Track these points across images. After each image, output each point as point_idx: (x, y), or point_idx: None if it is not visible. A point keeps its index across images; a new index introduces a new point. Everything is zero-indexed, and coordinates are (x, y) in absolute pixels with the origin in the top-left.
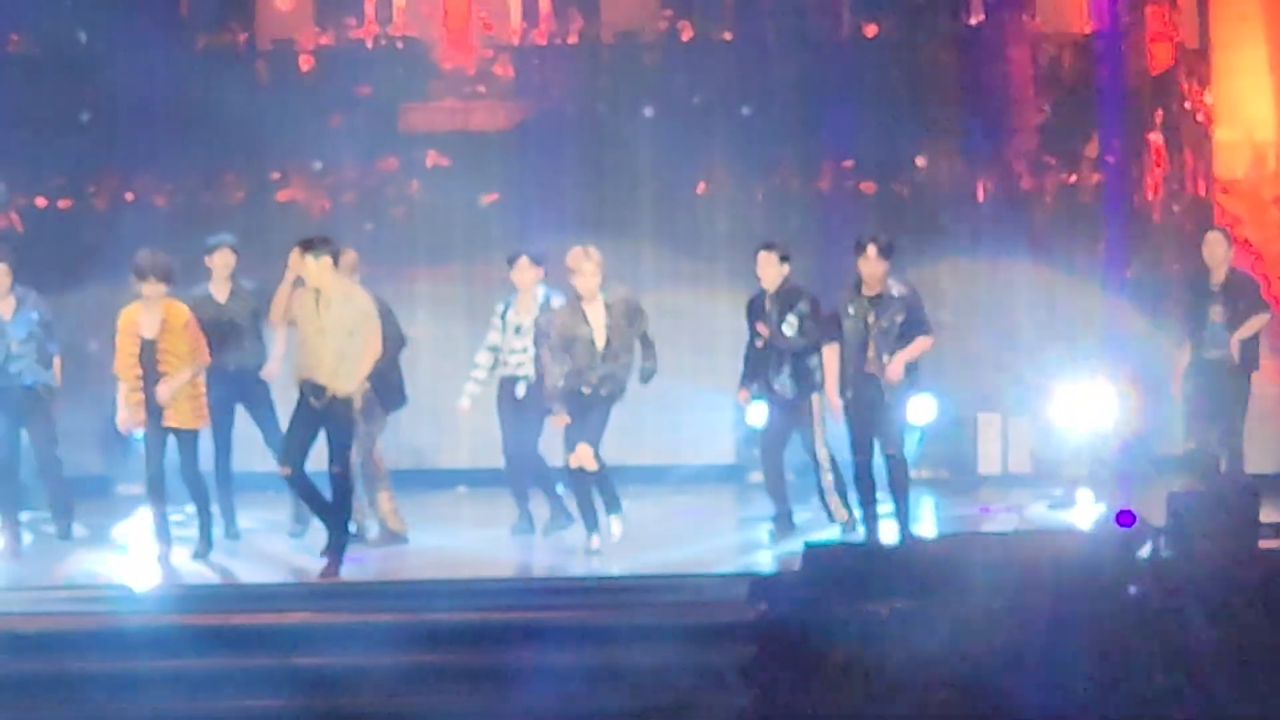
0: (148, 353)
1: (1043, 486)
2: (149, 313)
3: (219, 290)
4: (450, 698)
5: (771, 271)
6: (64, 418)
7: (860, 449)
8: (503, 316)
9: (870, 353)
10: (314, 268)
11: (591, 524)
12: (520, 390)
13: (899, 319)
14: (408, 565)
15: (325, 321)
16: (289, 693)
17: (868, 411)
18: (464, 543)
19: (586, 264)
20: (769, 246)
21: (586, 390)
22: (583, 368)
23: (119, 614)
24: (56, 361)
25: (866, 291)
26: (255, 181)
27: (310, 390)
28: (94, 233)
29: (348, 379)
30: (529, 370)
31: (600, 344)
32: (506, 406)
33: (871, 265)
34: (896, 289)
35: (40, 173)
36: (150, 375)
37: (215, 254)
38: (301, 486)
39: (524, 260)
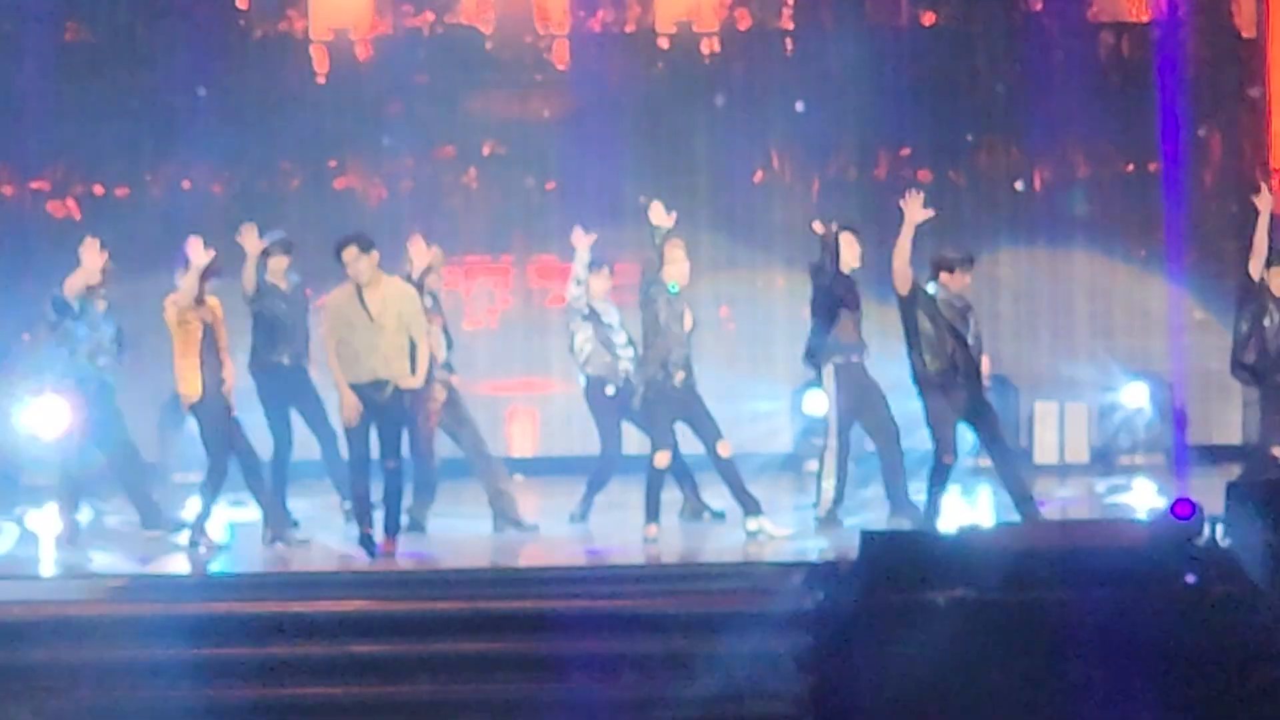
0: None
1: (1099, 476)
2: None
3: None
4: (507, 686)
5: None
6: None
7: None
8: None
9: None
10: (367, 264)
11: (653, 514)
12: (610, 390)
13: (976, 326)
14: (465, 554)
15: (383, 318)
16: (346, 680)
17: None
18: (520, 531)
19: (680, 252)
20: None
21: (679, 382)
22: (680, 360)
23: (177, 602)
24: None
25: (958, 301)
26: (312, 170)
27: (372, 388)
28: (151, 221)
29: (409, 371)
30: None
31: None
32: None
33: (959, 281)
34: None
35: (98, 161)
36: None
37: (270, 258)
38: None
39: (606, 270)
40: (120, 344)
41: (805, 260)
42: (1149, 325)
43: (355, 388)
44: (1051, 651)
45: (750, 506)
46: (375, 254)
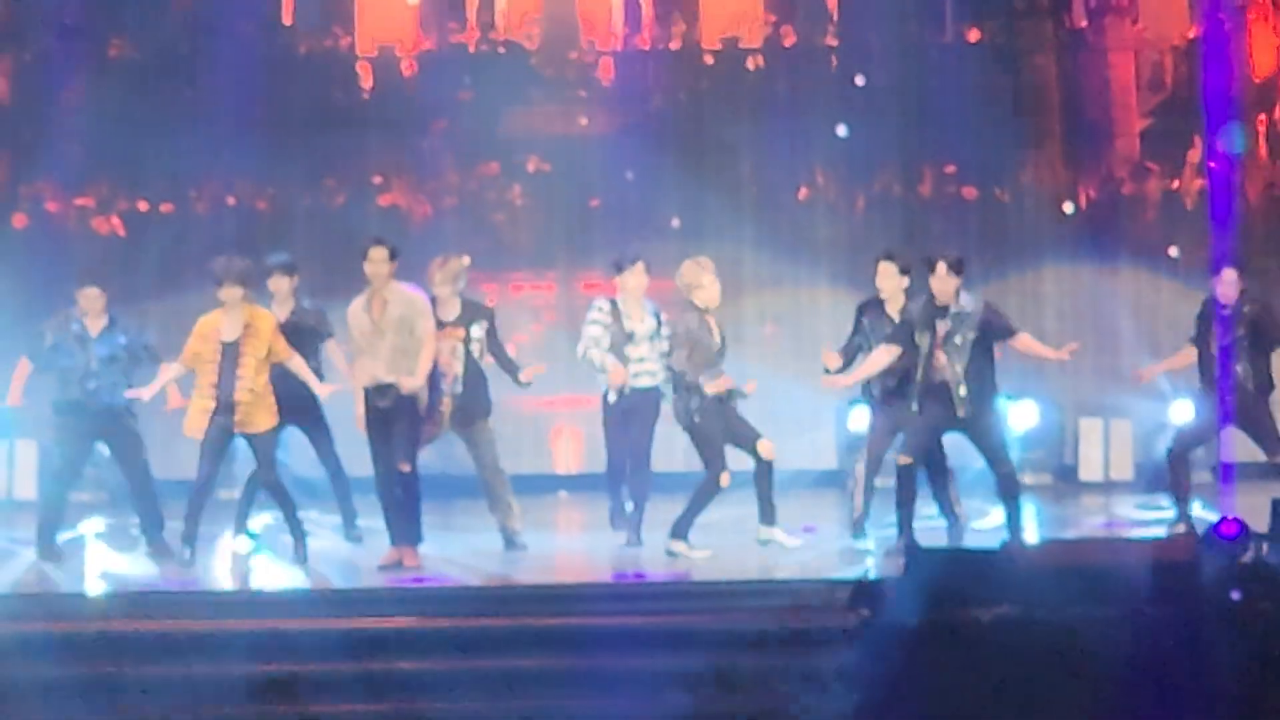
0: (228, 357)
1: (1145, 493)
2: (229, 317)
3: (280, 310)
4: (549, 703)
5: (891, 283)
6: (165, 423)
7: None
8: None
9: (940, 361)
10: (387, 270)
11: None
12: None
13: (971, 335)
14: (506, 570)
15: (383, 322)
16: (379, 698)
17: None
18: (564, 547)
19: (706, 276)
20: (889, 257)
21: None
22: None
23: (206, 620)
24: (163, 373)
25: (938, 303)
26: (356, 186)
27: (376, 393)
28: (196, 237)
29: (410, 373)
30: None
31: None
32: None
33: (942, 282)
34: (970, 305)
35: (142, 176)
36: (227, 380)
37: (270, 278)
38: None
39: (641, 265)
40: (125, 365)
41: (849, 277)
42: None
43: (365, 393)
44: (1096, 669)
45: (767, 515)
46: (395, 265)
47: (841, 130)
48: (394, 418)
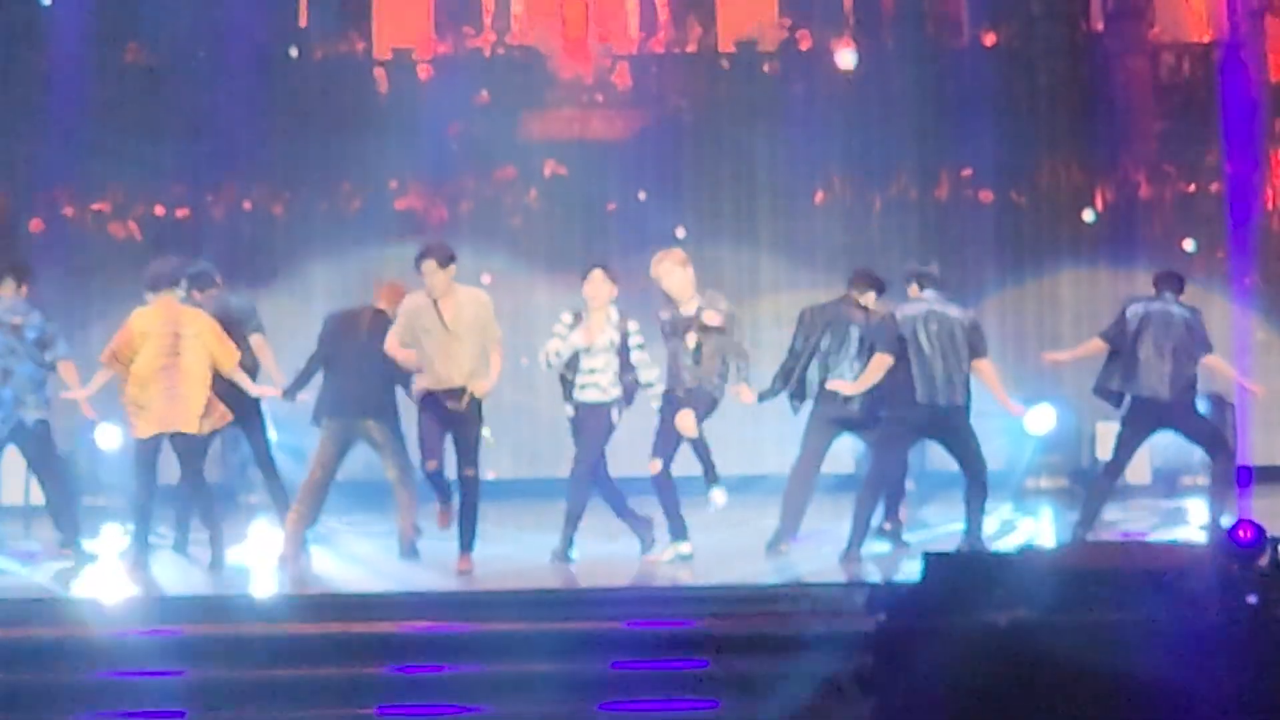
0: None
1: (1162, 497)
2: (163, 318)
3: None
4: (566, 706)
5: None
6: None
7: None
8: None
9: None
10: (443, 276)
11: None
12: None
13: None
14: (523, 574)
15: (458, 325)
16: (395, 700)
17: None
18: (581, 551)
19: (666, 264)
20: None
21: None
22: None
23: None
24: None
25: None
26: (373, 190)
27: (446, 396)
28: (213, 241)
29: (485, 378)
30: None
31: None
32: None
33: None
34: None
35: (158, 182)
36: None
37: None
38: (443, 485)
39: (599, 273)
40: (23, 350)
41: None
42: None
43: (430, 395)
44: (1114, 673)
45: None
46: (452, 268)
47: (864, 119)
48: (462, 421)
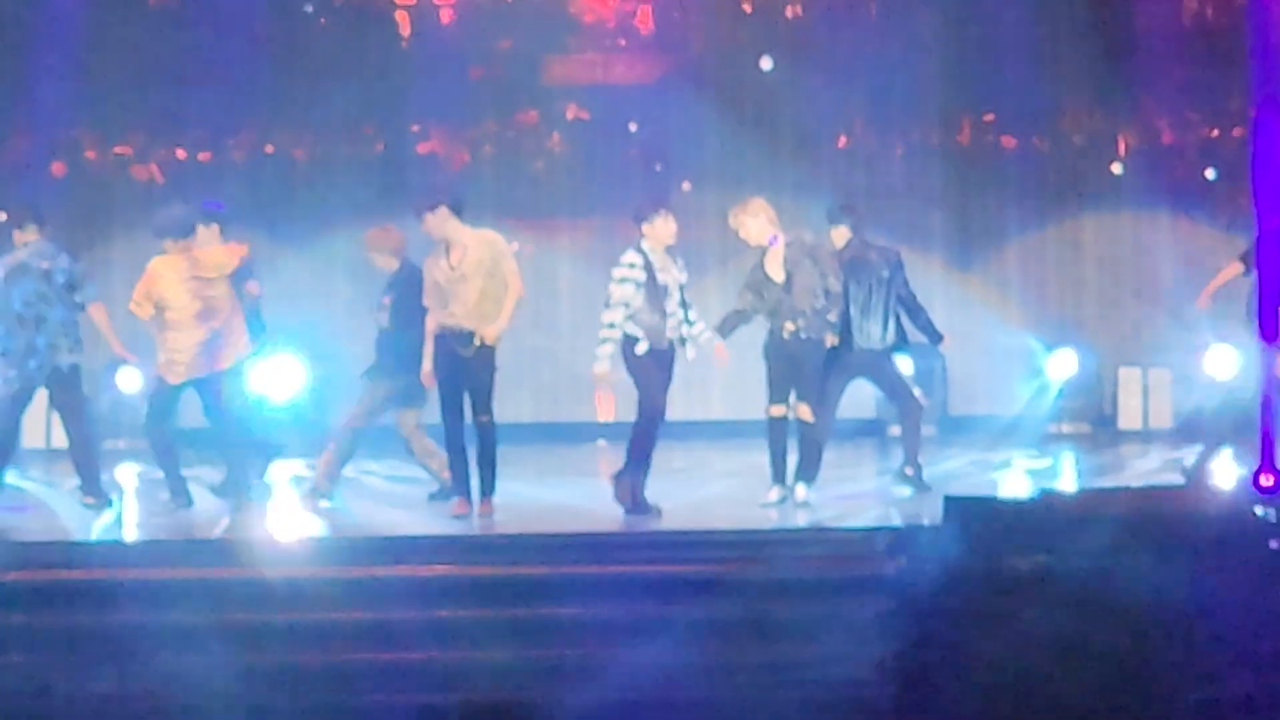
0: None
1: (1183, 442)
2: (180, 266)
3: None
4: (585, 651)
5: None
6: None
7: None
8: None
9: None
10: (432, 221)
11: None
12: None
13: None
14: (547, 520)
15: (464, 267)
16: (412, 648)
17: None
18: (603, 495)
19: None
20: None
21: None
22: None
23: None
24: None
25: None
26: (394, 134)
27: (456, 340)
28: (234, 185)
29: (495, 320)
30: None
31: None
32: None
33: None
34: None
35: (180, 125)
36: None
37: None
38: (459, 439)
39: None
40: (53, 295)
41: (888, 226)
42: (1233, 290)
43: (441, 338)
44: (1134, 617)
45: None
46: (442, 209)
47: (886, 64)
48: (475, 367)
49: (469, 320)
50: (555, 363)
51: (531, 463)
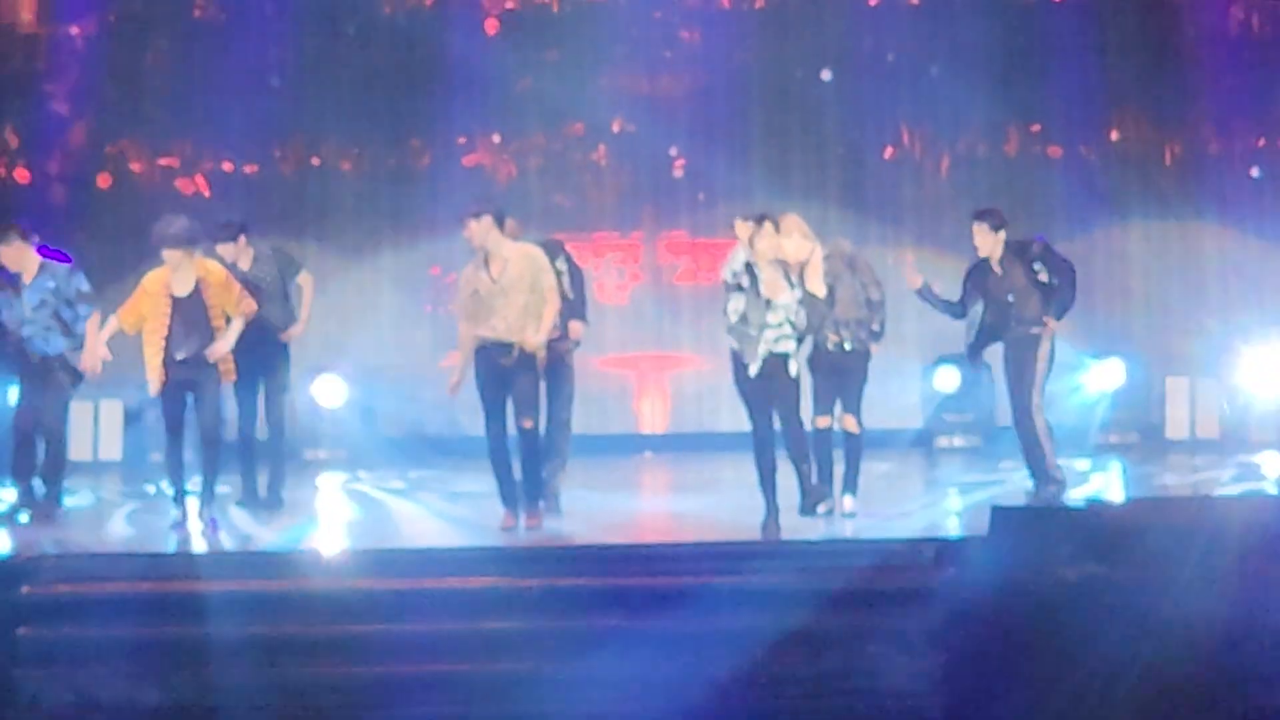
0: (181, 311)
1: (1231, 452)
2: (179, 274)
3: (242, 260)
4: (635, 662)
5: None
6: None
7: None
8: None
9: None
10: (475, 228)
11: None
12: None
13: None
14: (593, 530)
15: (505, 281)
16: (462, 659)
17: None
18: (650, 508)
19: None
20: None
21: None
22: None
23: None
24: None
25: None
26: (441, 146)
27: (497, 351)
28: (280, 197)
29: (535, 332)
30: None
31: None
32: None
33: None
34: None
35: (226, 137)
36: (177, 334)
37: (219, 248)
38: (503, 451)
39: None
40: (54, 309)
41: (934, 236)
42: None
43: (483, 350)
44: (1183, 627)
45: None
46: (486, 218)
47: (933, 74)
48: (516, 376)
49: (511, 334)
50: (602, 375)
51: (579, 473)
